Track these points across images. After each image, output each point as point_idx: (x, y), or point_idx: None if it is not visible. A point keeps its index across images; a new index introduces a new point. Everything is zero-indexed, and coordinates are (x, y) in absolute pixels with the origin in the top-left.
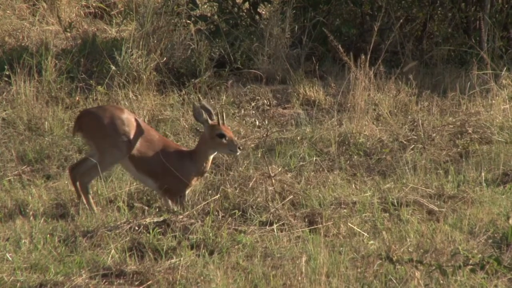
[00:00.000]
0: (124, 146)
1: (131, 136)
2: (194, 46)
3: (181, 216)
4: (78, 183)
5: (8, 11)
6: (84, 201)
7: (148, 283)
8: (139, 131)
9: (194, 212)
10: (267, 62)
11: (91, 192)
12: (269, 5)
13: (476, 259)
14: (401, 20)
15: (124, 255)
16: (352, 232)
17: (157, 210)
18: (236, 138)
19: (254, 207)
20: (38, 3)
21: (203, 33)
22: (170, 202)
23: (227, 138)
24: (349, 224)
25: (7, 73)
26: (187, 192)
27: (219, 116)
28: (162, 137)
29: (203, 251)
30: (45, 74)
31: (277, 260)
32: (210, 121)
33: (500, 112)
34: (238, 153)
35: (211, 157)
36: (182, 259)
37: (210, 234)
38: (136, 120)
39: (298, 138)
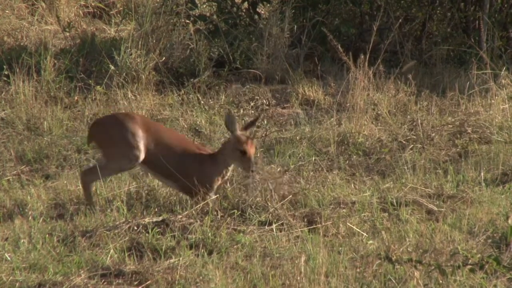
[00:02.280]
0: (133, 155)
1: (141, 145)
2: (193, 45)
3: (180, 216)
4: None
5: (7, 11)
6: (85, 198)
7: (147, 283)
8: (152, 137)
9: (193, 212)
10: (266, 61)
11: (92, 192)
12: (268, 5)
13: (476, 259)
14: (400, 20)
15: (123, 255)
16: (351, 232)
17: (156, 210)
18: (253, 159)
19: (253, 207)
20: (37, 2)
21: (202, 33)
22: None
23: (246, 156)
24: (348, 224)
25: (6, 72)
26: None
27: (252, 131)
28: (183, 140)
29: (202, 251)
30: (44, 74)
31: (276, 260)
32: (239, 132)
33: (500, 112)
34: (249, 175)
35: (232, 165)
36: (181, 259)
37: (209, 234)
38: (148, 125)
39: (297, 137)
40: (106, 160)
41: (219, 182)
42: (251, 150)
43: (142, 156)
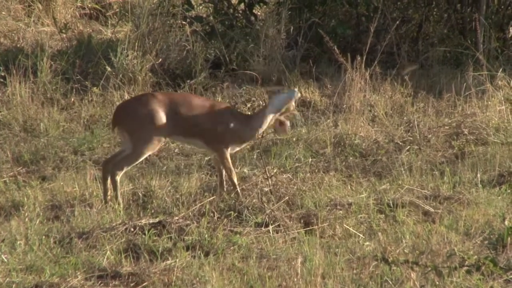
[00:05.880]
0: (161, 133)
1: (166, 121)
2: (190, 47)
3: (176, 218)
4: (109, 178)
5: (4, 12)
6: (114, 194)
7: (144, 284)
8: (177, 109)
9: (190, 213)
10: (263, 63)
11: (118, 188)
12: (265, 6)
13: (472, 260)
14: (397, 21)
15: (120, 256)
16: (348, 233)
17: (152, 211)
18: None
19: (249, 208)
20: (33, 4)
21: (199, 34)
22: (221, 163)
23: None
24: (344, 225)
25: (2, 74)
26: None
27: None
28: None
29: (199, 252)
30: (41, 75)
31: (273, 261)
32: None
33: (496, 113)
34: (296, 94)
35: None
36: (177, 260)
37: (206, 235)
38: (169, 100)
39: (294, 139)
40: (133, 144)
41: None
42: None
43: (170, 130)
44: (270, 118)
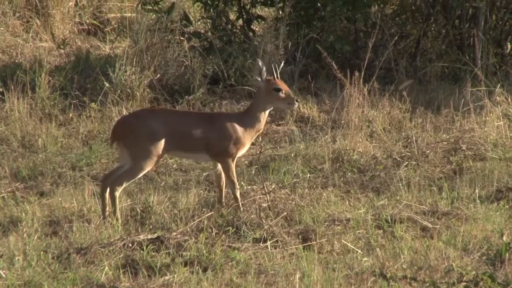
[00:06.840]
0: (160, 148)
1: (165, 136)
2: (188, 63)
3: (174, 233)
4: (108, 193)
5: (2, 28)
6: (112, 210)
7: None
8: (175, 125)
9: (188, 229)
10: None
11: (117, 204)
12: (263, 22)
13: (470, 276)
14: (395, 37)
15: (118, 272)
16: (346, 249)
17: (150, 227)
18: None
19: (247, 223)
20: (31, 20)
21: (197, 50)
22: (226, 176)
23: (283, 92)
24: (343, 241)
25: (0, 90)
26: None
27: (275, 73)
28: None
29: (197, 268)
30: (39, 91)
31: (271, 277)
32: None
33: (494, 129)
34: (295, 105)
35: (267, 112)
36: (175, 276)
37: (204, 251)
38: (168, 115)
39: (292, 155)
40: (133, 160)
41: (253, 137)
42: (284, 86)
43: (168, 146)
44: (263, 111)
